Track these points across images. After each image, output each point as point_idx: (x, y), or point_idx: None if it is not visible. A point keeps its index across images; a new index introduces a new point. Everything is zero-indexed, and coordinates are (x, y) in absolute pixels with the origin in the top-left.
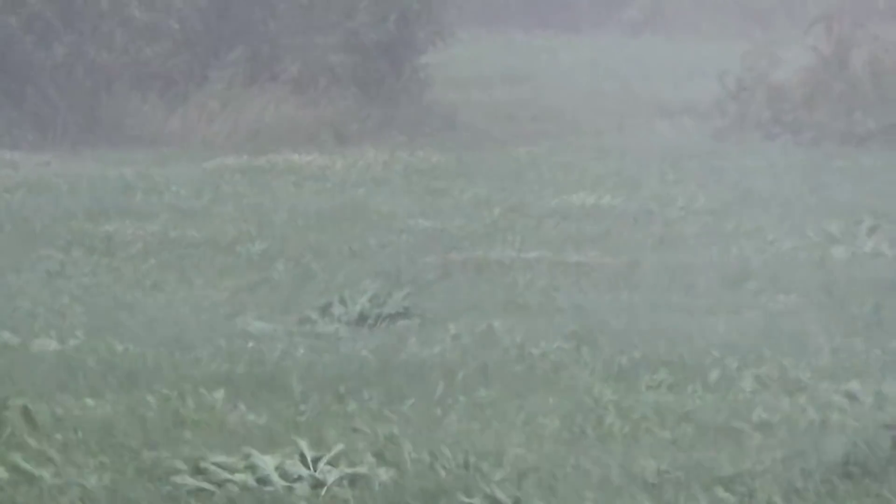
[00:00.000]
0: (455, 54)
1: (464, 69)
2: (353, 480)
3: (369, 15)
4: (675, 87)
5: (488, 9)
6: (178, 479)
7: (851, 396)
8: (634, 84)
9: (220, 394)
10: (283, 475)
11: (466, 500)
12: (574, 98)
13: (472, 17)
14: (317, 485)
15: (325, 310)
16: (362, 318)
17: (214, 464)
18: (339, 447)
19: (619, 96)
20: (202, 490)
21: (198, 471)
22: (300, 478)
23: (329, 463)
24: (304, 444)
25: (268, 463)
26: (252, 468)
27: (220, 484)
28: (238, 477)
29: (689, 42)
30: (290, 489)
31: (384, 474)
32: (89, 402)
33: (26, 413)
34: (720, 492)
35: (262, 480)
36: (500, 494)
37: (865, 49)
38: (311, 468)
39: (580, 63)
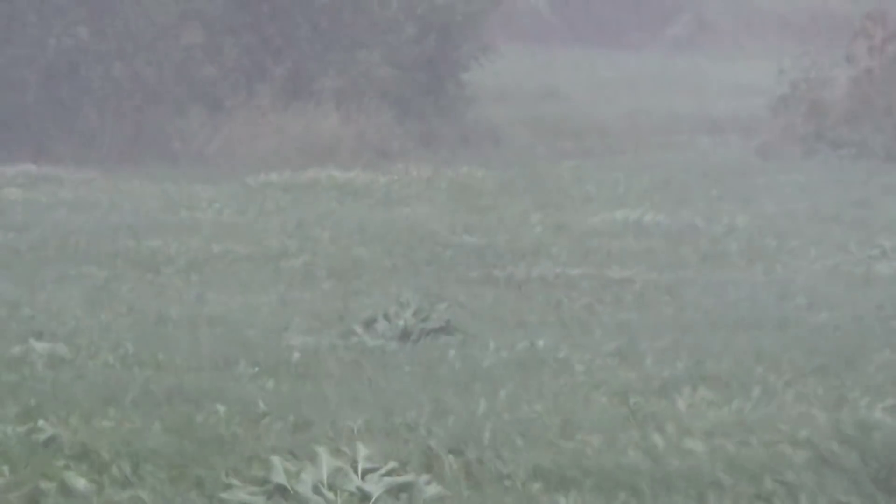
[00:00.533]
0: (498, 71)
1: (507, 86)
2: (400, 490)
3: (412, 31)
4: (718, 104)
5: (532, 26)
6: (226, 494)
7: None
8: (677, 100)
9: (265, 408)
10: (332, 486)
11: None
12: (617, 114)
13: (516, 34)
14: (364, 497)
15: (368, 324)
16: (406, 334)
17: (261, 477)
18: (392, 464)
19: (662, 113)
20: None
21: (248, 481)
22: (349, 490)
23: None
24: (360, 453)
25: (319, 472)
26: (298, 479)
27: (270, 495)
28: (293, 485)
29: (731, 59)
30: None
31: (431, 489)
32: (136, 416)
33: (75, 428)
34: None
35: (315, 489)
36: None
37: None
38: (360, 478)
39: (623, 80)
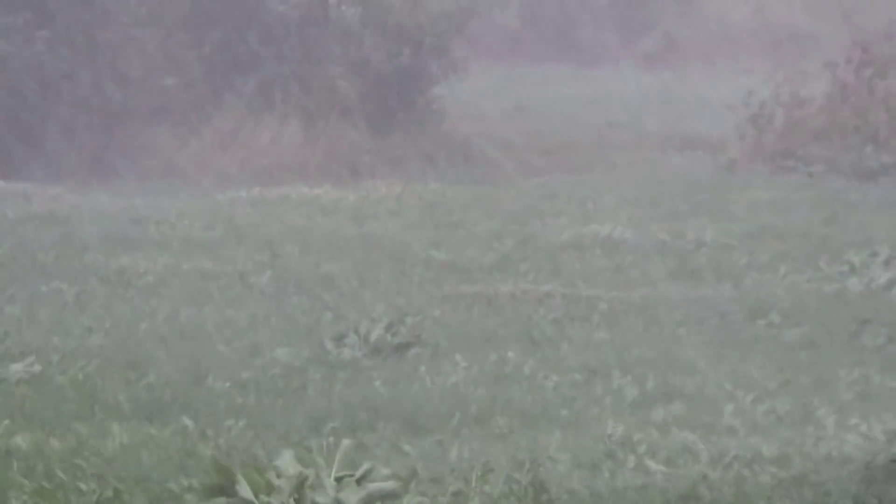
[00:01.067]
0: (468, 87)
1: (477, 102)
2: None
3: (382, 48)
4: (688, 120)
5: (501, 43)
6: None
7: (865, 430)
8: (647, 117)
9: (236, 423)
10: (302, 499)
11: None
12: (587, 131)
13: (486, 51)
14: None
15: (339, 340)
16: (376, 349)
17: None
18: (366, 466)
19: (632, 129)
20: None
21: (215, 495)
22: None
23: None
24: (334, 461)
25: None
26: (275, 490)
27: None
28: (263, 500)
29: (702, 75)
30: None
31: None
32: (107, 431)
33: (44, 443)
34: None
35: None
36: None
37: (879, 84)
38: (336, 489)
39: (593, 96)
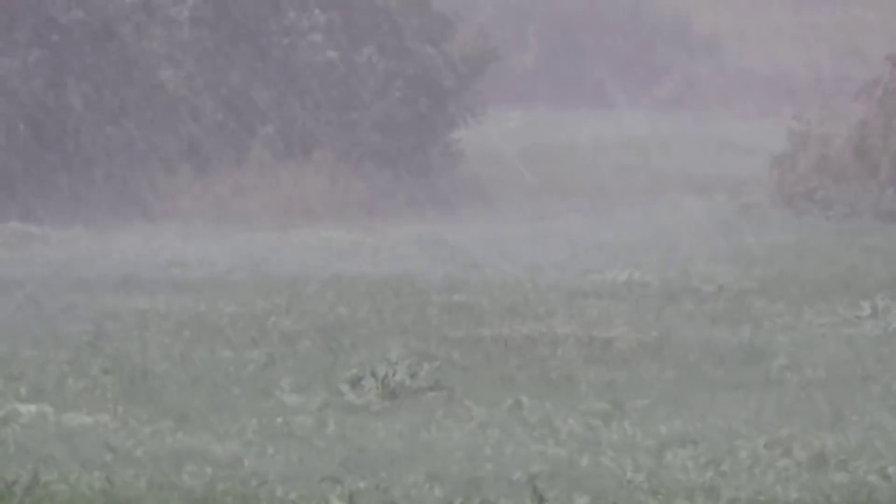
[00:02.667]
0: (486, 131)
1: (495, 145)
2: None
3: (402, 92)
4: (706, 163)
5: (519, 87)
6: None
7: (884, 474)
8: (666, 160)
9: (249, 469)
10: None
11: None
12: (604, 174)
13: (504, 95)
14: None
15: (355, 383)
16: (393, 392)
17: None
18: None
19: (650, 172)
20: None
21: None
22: None
23: None
24: None
25: None
26: None
27: None
28: None
29: (720, 119)
30: None
31: None
32: (119, 479)
33: (55, 489)
34: None
35: None
36: None
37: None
38: None
39: (611, 139)
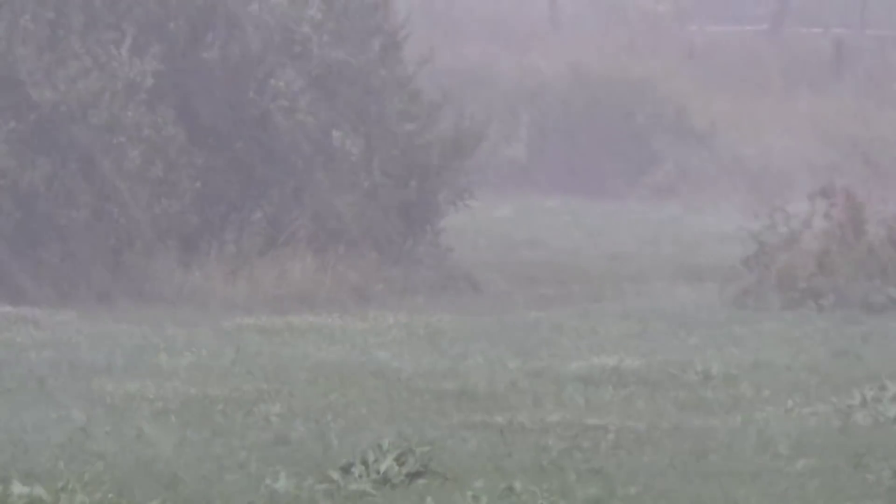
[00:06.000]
0: (476, 219)
1: (485, 233)
2: None
3: (390, 177)
4: (697, 252)
5: (510, 175)
6: None
7: None
8: (656, 248)
9: None
10: None
11: None
12: (595, 262)
13: (494, 183)
14: None
15: (346, 470)
16: (384, 479)
17: None
18: None
19: (640, 260)
20: None
21: None
22: None
23: None
24: None
25: None
26: None
27: None
28: None
29: (711, 207)
30: None
31: None
32: None
33: None
34: None
35: None
36: None
37: (882, 216)
38: None
39: (602, 227)
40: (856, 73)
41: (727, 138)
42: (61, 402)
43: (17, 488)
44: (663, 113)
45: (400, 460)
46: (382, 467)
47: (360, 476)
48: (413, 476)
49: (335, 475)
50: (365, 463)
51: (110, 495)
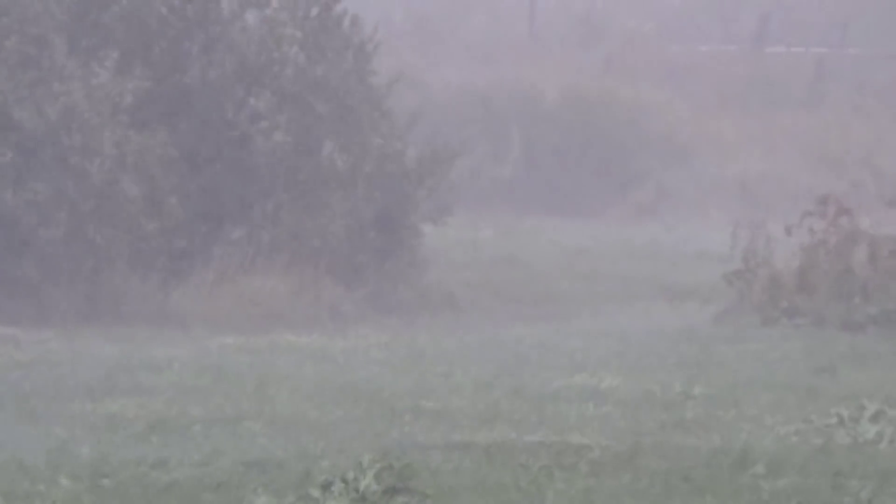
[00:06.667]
0: (458, 236)
1: (466, 251)
2: None
3: (368, 196)
4: (677, 271)
5: (491, 193)
6: None
7: None
8: (637, 267)
9: None
10: None
11: None
12: (576, 281)
13: (476, 201)
14: None
15: (326, 487)
16: (363, 496)
17: None
18: None
19: (621, 279)
20: None
21: None
22: None
23: None
24: None
25: None
26: None
27: None
28: None
29: (693, 226)
30: None
31: None
32: None
33: None
34: None
35: None
36: None
37: (862, 235)
38: None
39: (583, 246)
40: (837, 91)
41: (708, 157)
42: (43, 423)
43: None
44: (645, 132)
45: (380, 478)
46: (362, 485)
47: (340, 494)
48: (393, 494)
49: (315, 493)
50: (345, 481)
51: None
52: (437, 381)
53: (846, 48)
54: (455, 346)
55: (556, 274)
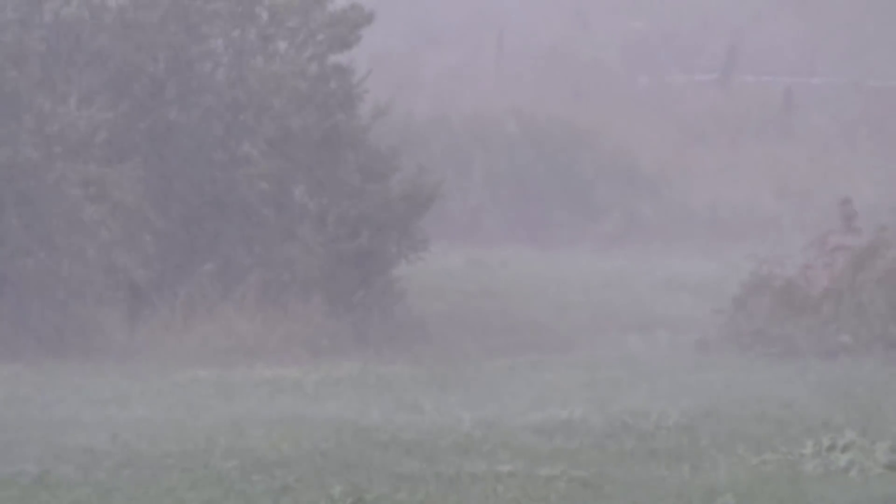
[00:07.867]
0: (429, 268)
1: (437, 283)
2: None
3: (342, 228)
4: (648, 301)
5: (462, 224)
6: None
7: None
8: (607, 297)
9: None
10: None
11: None
12: (547, 312)
13: (446, 232)
14: None
15: None
16: None
17: None
18: None
19: (592, 310)
20: None
21: None
22: None
23: None
24: None
25: None
26: None
27: None
28: None
29: (661, 256)
30: None
31: None
32: None
33: None
34: None
35: None
36: None
37: (836, 261)
38: None
39: (554, 277)
40: (806, 122)
41: (676, 188)
42: (16, 458)
43: None
44: (612, 162)
45: None
46: None
47: None
48: None
49: None
50: None
51: None
52: (408, 412)
53: (814, 77)
54: (426, 377)
55: (526, 305)
